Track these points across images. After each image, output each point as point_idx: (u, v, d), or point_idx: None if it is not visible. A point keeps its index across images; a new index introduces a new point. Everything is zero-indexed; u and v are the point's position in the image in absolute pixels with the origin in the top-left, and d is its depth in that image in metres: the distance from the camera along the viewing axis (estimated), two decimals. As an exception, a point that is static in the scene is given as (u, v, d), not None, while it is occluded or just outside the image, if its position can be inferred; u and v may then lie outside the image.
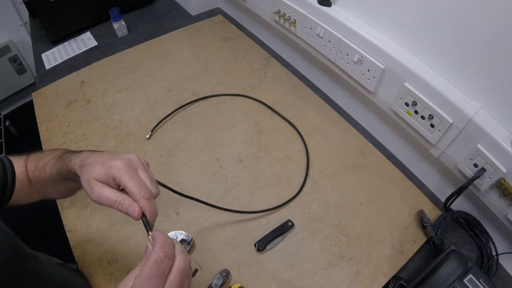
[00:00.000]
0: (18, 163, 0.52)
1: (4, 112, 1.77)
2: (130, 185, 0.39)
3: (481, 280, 0.52)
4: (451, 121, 0.58)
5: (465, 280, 0.52)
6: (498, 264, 0.62)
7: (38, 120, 0.84)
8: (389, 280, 0.60)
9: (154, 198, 0.40)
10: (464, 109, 0.55)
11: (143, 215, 0.39)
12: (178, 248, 0.37)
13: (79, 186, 0.49)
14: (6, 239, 0.41)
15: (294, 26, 0.82)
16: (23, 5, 1.17)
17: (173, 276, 0.34)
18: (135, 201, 0.39)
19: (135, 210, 0.38)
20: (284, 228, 0.65)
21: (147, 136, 0.80)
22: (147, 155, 0.77)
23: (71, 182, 0.48)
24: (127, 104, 0.88)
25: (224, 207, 0.65)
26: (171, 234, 0.62)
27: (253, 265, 0.62)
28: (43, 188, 0.52)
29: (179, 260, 0.35)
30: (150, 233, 0.38)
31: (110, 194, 0.39)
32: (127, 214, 0.39)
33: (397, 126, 0.74)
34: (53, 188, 0.51)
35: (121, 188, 0.41)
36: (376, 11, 0.66)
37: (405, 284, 0.58)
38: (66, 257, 0.61)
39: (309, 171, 0.75)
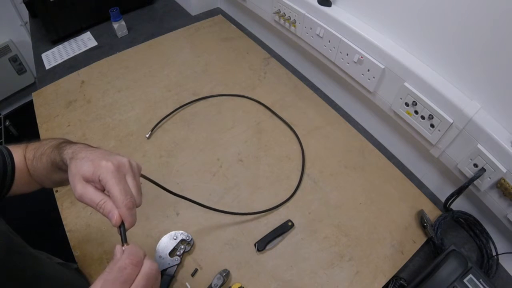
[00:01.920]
0: (17, 152, 0.51)
1: (4, 112, 1.77)
2: (115, 191, 0.38)
3: (481, 280, 0.52)
4: (451, 121, 0.58)
5: (465, 280, 0.52)
6: (498, 264, 0.62)
7: (38, 120, 0.84)
8: (389, 280, 0.60)
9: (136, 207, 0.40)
10: (464, 109, 0.55)
11: (122, 223, 0.38)
12: (148, 257, 0.37)
13: None
14: (3, 241, 0.40)
15: (294, 26, 0.82)
16: (23, 5, 1.17)
17: (139, 280, 0.34)
18: (117, 207, 0.38)
19: (114, 217, 0.37)
20: (284, 228, 0.65)
21: (147, 136, 0.80)
22: (147, 155, 0.77)
23: (64, 172, 0.47)
24: (127, 104, 0.88)
25: (222, 209, 0.64)
26: (171, 234, 0.62)
27: (253, 265, 0.62)
28: (39, 178, 0.51)
29: (146, 265, 0.35)
30: (125, 244, 0.37)
31: (93, 195, 0.38)
32: (107, 218, 0.38)
33: (397, 126, 0.74)
34: (47, 178, 0.51)
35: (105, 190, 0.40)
36: (376, 11, 0.66)
37: (405, 284, 0.58)
38: (66, 257, 0.61)
39: (309, 171, 0.75)
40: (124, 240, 0.38)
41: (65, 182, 0.53)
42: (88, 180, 0.39)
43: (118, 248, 0.36)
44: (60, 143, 0.48)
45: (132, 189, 0.40)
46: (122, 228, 0.38)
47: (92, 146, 0.46)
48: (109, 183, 0.38)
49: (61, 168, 0.46)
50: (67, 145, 0.46)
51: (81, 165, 0.39)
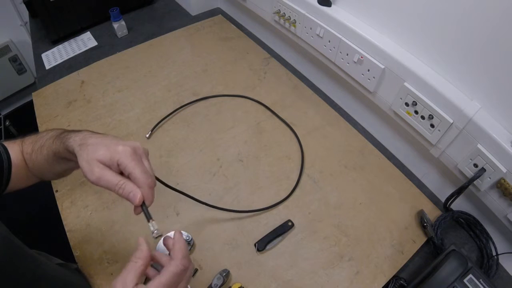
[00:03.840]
0: (13, 148, 0.51)
1: (4, 112, 1.76)
2: (137, 172, 0.39)
3: (481, 280, 0.52)
4: (451, 121, 0.58)
5: (465, 280, 0.52)
6: (498, 264, 0.62)
7: (38, 120, 0.84)
8: (389, 280, 0.60)
9: None
10: (464, 109, 0.55)
11: (143, 203, 0.40)
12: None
13: (75, 167, 0.48)
14: (1, 244, 0.40)
15: (294, 26, 0.82)
16: (23, 5, 1.17)
17: (184, 284, 0.38)
18: (139, 187, 0.39)
19: (138, 196, 0.39)
20: (284, 228, 0.65)
21: (147, 136, 0.80)
22: (147, 155, 0.77)
23: (67, 162, 0.47)
24: (127, 104, 0.88)
25: (221, 207, 0.65)
26: (171, 234, 0.62)
27: (253, 265, 0.62)
28: (39, 171, 0.51)
29: (190, 270, 0.40)
30: (151, 220, 0.40)
31: (111, 177, 0.39)
32: (126, 199, 0.40)
33: (397, 126, 0.74)
34: (49, 170, 0.50)
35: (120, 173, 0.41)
36: (376, 11, 0.66)
37: (405, 284, 0.58)
38: (66, 257, 0.61)
39: (310, 171, 0.75)
40: (149, 217, 0.40)
41: (67, 172, 0.53)
42: (105, 165, 0.40)
43: (142, 240, 0.39)
44: (61, 133, 0.48)
45: (149, 170, 0.42)
46: (144, 206, 0.40)
47: (97, 133, 0.46)
48: (130, 166, 0.40)
49: (64, 158, 0.46)
50: (70, 133, 0.46)
51: (96, 150, 0.40)
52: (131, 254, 0.60)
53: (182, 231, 0.61)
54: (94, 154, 0.40)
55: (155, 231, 0.39)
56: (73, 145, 0.43)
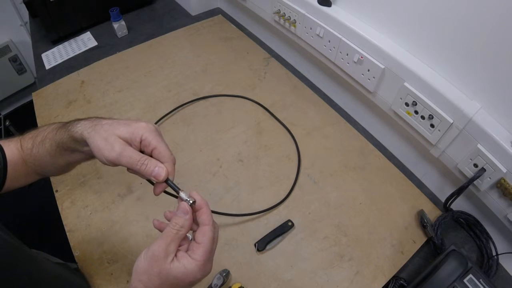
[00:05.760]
0: (9, 146, 0.50)
1: (4, 112, 1.76)
2: (163, 147, 0.40)
3: (481, 280, 0.52)
4: (451, 121, 0.58)
5: (465, 280, 0.52)
6: (498, 264, 0.62)
7: (38, 120, 0.84)
8: (389, 280, 0.60)
9: None
10: (464, 109, 0.55)
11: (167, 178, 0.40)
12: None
13: (78, 159, 0.47)
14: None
15: (294, 26, 0.82)
16: (23, 5, 1.17)
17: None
18: (164, 162, 0.40)
19: (164, 171, 0.39)
20: (284, 228, 0.65)
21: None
22: (147, 155, 0.77)
23: (70, 154, 0.46)
24: (127, 104, 0.88)
25: (222, 209, 0.65)
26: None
27: (253, 265, 0.62)
28: (40, 166, 0.50)
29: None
30: (181, 191, 0.40)
31: (134, 153, 0.39)
32: (148, 176, 0.39)
33: (397, 126, 0.74)
34: (51, 164, 0.49)
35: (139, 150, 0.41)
36: (376, 11, 0.66)
37: (405, 284, 0.58)
38: (66, 257, 0.61)
39: (309, 171, 0.75)
40: (178, 188, 0.40)
41: (69, 166, 0.52)
42: (125, 141, 0.40)
43: (189, 209, 0.39)
44: (64, 123, 0.47)
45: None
46: (169, 181, 0.40)
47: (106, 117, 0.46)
48: (155, 140, 0.40)
49: (68, 149, 0.45)
50: (74, 122, 0.45)
51: (115, 127, 0.40)
52: (131, 254, 0.60)
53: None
54: (114, 130, 0.39)
55: (189, 199, 0.39)
56: (82, 131, 0.42)
